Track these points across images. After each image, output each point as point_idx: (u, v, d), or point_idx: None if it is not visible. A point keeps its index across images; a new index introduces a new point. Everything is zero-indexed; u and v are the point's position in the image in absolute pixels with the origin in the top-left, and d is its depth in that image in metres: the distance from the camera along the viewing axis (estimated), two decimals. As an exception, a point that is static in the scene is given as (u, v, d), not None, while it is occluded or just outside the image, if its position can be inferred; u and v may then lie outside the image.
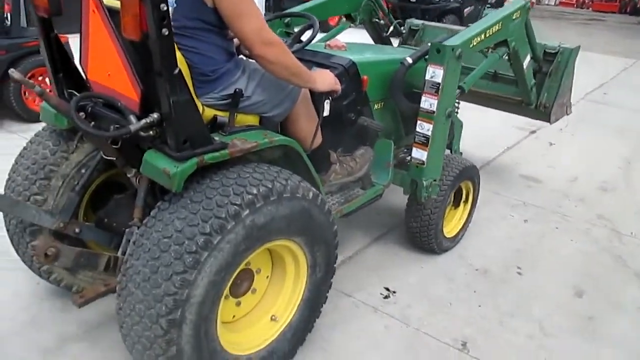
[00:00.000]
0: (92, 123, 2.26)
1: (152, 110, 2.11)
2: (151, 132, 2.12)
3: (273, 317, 2.56)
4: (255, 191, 2.14)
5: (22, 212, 2.50)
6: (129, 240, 2.27)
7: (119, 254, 2.28)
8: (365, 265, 3.61)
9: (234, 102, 2.40)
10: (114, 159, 2.43)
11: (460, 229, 3.96)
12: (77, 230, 2.65)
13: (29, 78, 5.87)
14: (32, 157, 2.68)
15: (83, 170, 2.69)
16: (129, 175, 2.53)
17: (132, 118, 2.11)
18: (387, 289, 3.40)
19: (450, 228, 3.88)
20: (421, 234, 3.65)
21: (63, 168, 2.65)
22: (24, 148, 2.79)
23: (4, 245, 3.28)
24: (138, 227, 2.28)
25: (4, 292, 3.09)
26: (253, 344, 2.47)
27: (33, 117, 6.02)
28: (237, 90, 2.39)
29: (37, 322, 2.89)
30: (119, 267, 2.25)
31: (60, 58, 2.48)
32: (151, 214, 2.16)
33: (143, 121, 2.07)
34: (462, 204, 3.97)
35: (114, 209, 2.75)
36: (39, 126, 6.09)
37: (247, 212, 2.09)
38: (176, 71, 1.95)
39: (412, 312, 3.21)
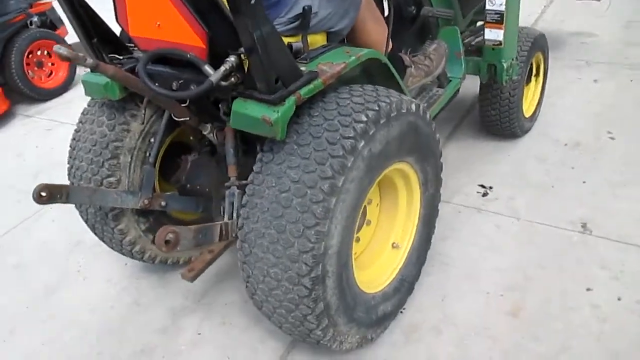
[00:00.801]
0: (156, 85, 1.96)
1: (221, 56, 1.82)
2: (232, 79, 1.83)
3: (394, 245, 2.38)
4: (364, 118, 1.87)
5: (102, 199, 2.28)
6: (232, 203, 2.06)
7: (226, 218, 2.07)
8: (451, 167, 3.38)
9: (305, 22, 2.07)
10: (187, 119, 2.15)
11: (537, 105, 3.67)
12: (162, 203, 2.44)
13: (27, 55, 5.47)
14: (90, 138, 2.41)
15: (150, 139, 2.43)
16: (204, 133, 2.27)
17: (208, 68, 1.82)
18: (482, 186, 3.19)
19: (527, 106, 3.59)
20: (502, 120, 3.38)
21: (127, 142, 2.39)
22: (76, 131, 2.52)
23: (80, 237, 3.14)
24: (238, 187, 2.06)
25: (96, 280, 2.96)
26: (383, 277, 2.31)
27: (43, 95, 5.69)
28: (306, 7, 2.05)
29: (141, 303, 2.76)
30: (230, 232, 2.05)
31: (90, 21, 2.14)
32: (255, 169, 1.92)
33: (223, 68, 1.78)
34: (533, 79, 3.65)
35: (193, 172, 2.52)
36: (53, 104, 5.87)
37: (362, 142, 1.84)
38: (253, 0, 1.62)
39: (517, 204, 3.02)
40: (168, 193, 2.52)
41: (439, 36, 3.09)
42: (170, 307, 2.69)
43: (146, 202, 2.37)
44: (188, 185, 2.51)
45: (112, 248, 2.66)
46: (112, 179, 2.38)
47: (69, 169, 2.52)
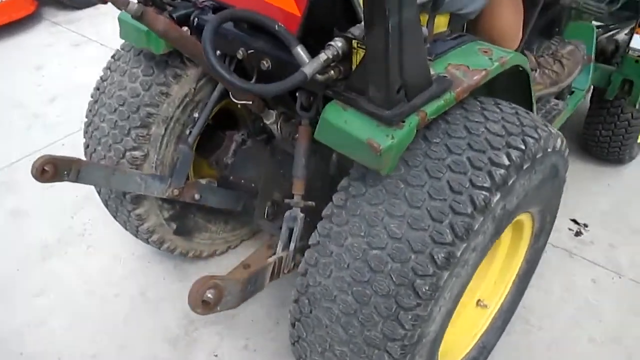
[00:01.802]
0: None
1: (320, 35, 1.24)
2: (332, 73, 1.25)
3: (480, 303, 1.86)
4: (505, 161, 1.29)
5: (123, 182, 1.76)
6: (292, 230, 1.53)
7: (279, 250, 1.55)
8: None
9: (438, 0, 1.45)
10: (249, 102, 1.58)
11: (652, 130, 3.03)
12: (196, 196, 1.91)
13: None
14: (118, 94, 1.86)
15: (192, 111, 1.87)
16: (266, 122, 1.70)
17: (301, 52, 1.24)
18: (576, 222, 2.63)
19: (641, 130, 2.95)
20: (611, 144, 2.77)
21: (164, 109, 1.83)
22: (102, 79, 1.96)
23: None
24: (302, 210, 1.53)
25: (101, 253, 2.49)
26: (463, 344, 1.81)
27: (76, 1, 5.05)
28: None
29: (150, 298, 2.30)
30: (283, 269, 1.54)
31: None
32: (335, 200, 1.37)
33: (323, 56, 1.20)
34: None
35: (240, 161, 1.98)
36: (85, 14, 5.19)
37: (498, 196, 1.27)
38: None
39: (618, 255, 2.46)
40: (203, 182, 1.98)
41: (567, 33, 2.42)
42: (184, 311, 2.22)
43: (176, 192, 1.84)
44: (231, 177, 1.98)
45: (125, 229, 2.16)
46: (137, 153, 1.84)
47: (86, 126, 1.99)
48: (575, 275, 2.36)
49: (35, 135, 3.31)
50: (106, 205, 2.08)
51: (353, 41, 1.21)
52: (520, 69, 1.57)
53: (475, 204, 1.23)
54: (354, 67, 1.25)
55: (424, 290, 1.21)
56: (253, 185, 2.00)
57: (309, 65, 1.18)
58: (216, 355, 2.07)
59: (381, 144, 1.19)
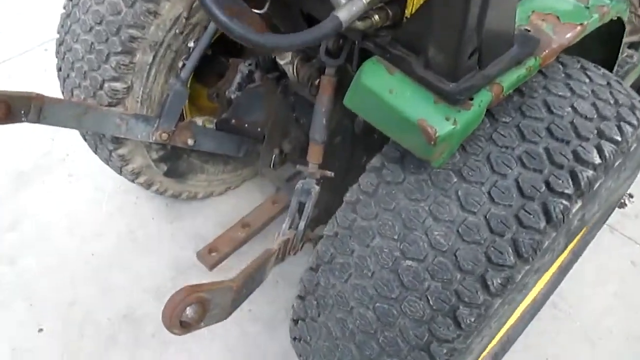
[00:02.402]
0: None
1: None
2: (375, 19, 0.89)
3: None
4: (595, 156, 0.97)
5: (98, 124, 1.43)
6: (303, 205, 1.23)
7: (286, 225, 1.26)
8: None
9: None
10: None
11: None
12: (190, 141, 1.59)
13: None
14: (95, 8, 1.48)
15: (188, 36, 1.51)
16: (280, 61, 1.35)
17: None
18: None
19: None
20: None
21: (152, 32, 1.46)
22: (76, -14, 1.57)
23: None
24: (317, 182, 1.22)
25: (84, 184, 2.21)
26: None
27: None
28: None
29: (139, 239, 2.05)
30: (289, 250, 1.26)
31: None
32: (362, 181, 1.06)
33: (364, -1, 0.83)
34: None
35: (245, 103, 1.63)
36: None
37: (578, 204, 0.96)
38: None
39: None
40: (200, 122, 1.65)
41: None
42: (175, 259, 1.97)
43: (164, 136, 1.52)
44: (233, 120, 1.64)
45: (108, 166, 1.86)
46: (118, 85, 1.50)
47: (58, 44, 1.63)
48: (613, 256, 2.10)
49: (25, 31, 2.90)
50: (84, 139, 1.77)
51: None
52: (619, 24, 1.19)
53: (551, 215, 0.92)
54: (409, 11, 0.89)
55: (467, 321, 0.93)
56: (259, 129, 1.67)
57: (346, 6, 0.82)
58: (205, 316, 1.85)
59: (438, 130, 0.86)
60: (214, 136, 1.64)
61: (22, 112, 1.26)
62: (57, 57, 1.63)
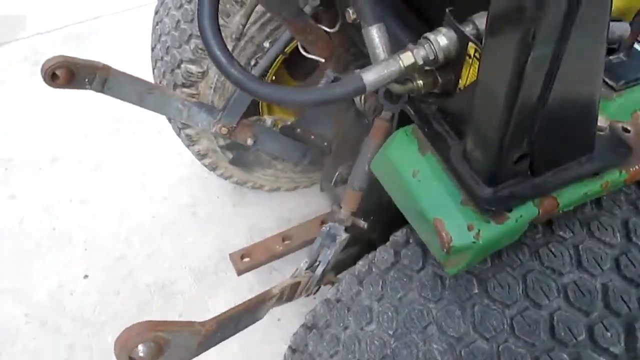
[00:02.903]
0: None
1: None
2: (419, 83, 0.73)
3: None
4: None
5: (160, 106, 1.40)
6: (327, 249, 1.12)
7: (303, 265, 1.16)
8: None
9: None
10: (322, 60, 1.10)
11: None
12: (249, 140, 1.52)
13: None
14: (189, -14, 1.45)
15: (271, 31, 1.42)
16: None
17: (375, 37, 0.73)
18: None
19: None
20: None
21: (236, 21, 1.40)
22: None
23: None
24: (347, 229, 1.10)
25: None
26: None
27: None
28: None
29: (210, 222, 2.06)
30: (302, 291, 1.16)
31: None
32: (362, 264, 0.92)
33: (407, 56, 0.68)
34: None
35: (315, 114, 1.53)
36: None
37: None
38: None
39: None
40: (268, 122, 1.57)
41: None
42: (225, 244, 1.96)
43: (224, 130, 1.46)
44: (298, 130, 1.54)
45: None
46: (193, 68, 1.47)
47: (155, 13, 1.64)
48: None
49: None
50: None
51: (470, 44, 0.67)
52: None
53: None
54: (463, 82, 0.71)
55: None
56: (325, 144, 1.56)
57: (377, 68, 0.67)
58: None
59: (454, 238, 0.69)
60: (276, 140, 1.56)
61: (87, 80, 1.26)
62: (152, 24, 1.64)
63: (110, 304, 1.81)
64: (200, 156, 1.75)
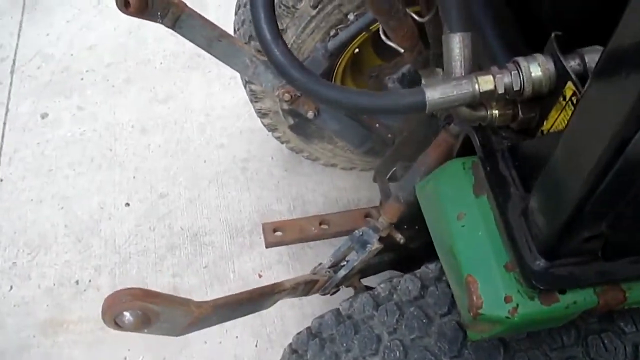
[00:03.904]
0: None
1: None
2: (494, 112, 0.60)
3: None
4: None
5: (227, 56, 1.33)
6: (349, 251, 1.03)
7: (326, 263, 1.07)
8: None
9: None
10: (400, 50, 0.97)
11: None
12: (310, 113, 1.43)
13: None
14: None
15: (358, 9, 1.30)
16: (424, 81, 1.08)
17: (456, 46, 0.60)
18: None
19: None
20: None
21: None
22: None
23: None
24: (380, 239, 1.00)
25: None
26: None
27: None
28: None
29: (257, 181, 2.02)
30: (317, 290, 1.08)
31: None
32: (363, 295, 0.83)
33: (487, 80, 0.56)
34: None
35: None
36: None
37: None
38: None
39: None
40: None
41: None
42: (266, 208, 1.92)
43: (287, 96, 1.38)
44: (365, 115, 1.43)
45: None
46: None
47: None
48: None
49: None
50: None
51: (569, 83, 0.53)
52: None
53: None
54: (547, 126, 0.59)
55: None
56: (390, 136, 1.45)
57: (445, 86, 0.55)
58: (260, 276, 1.78)
59: (485, 305, 0.58)
60: (338, 119, 1.46)
61: (159, 13, 1.20)
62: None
63: (142, 237, 1.82)
64: (261, 114, 1.69)
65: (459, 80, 0.55)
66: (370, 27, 1.27)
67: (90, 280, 1.72)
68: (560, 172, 0.51)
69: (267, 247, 1.46)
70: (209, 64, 2.28)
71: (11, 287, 1.70)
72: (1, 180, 1.93)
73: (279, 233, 1.46)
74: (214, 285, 1.75)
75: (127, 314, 0.76)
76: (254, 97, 1.62)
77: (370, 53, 1.67)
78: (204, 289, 1.74)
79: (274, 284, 0.97)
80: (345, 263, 1.06)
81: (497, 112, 0.59)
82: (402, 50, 0.97)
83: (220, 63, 2.20)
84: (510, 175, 0.61)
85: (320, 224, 1.48)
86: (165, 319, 0.79)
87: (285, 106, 1.61)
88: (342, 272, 1.05)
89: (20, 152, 2.01)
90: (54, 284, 1.71)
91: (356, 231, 1.03)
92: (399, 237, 1.00)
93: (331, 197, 1.95)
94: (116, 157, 2.00)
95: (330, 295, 1.12)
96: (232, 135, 2.09)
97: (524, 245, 0.57)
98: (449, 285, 0.77)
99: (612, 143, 0.46)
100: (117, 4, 1.16)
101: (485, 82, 0.54)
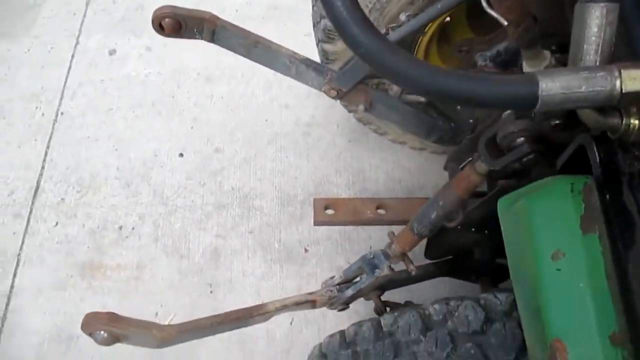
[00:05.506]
0: None
1: None
2: (633, 122, 0.43)
3: None
4: None
5: (267, 59, 1.25)
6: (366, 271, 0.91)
7: (336, 278, 0.95)
8: None
9: None
10: (504, 22, 0.79)
11: None
12: (361, 107, 1.28)
13: None
14: None
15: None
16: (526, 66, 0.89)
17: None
18: None
19: None
20: None
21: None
22: None
23: None
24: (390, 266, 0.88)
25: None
26: None
27: None
28: None
29: (309, 150, 1.89)
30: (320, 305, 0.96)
31: None
32: (412, 313, 0.68)
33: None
34: None
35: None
36: None
37: None
38: None
39: None
40: (381, 91, 1.30)
41: None
42: (324, 179, 1.79)
43: (333, 93, 1.24)
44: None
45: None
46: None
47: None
48: None
49: None
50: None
51: None
52: None
53: None
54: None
55: None
56: (471, 121, 1.26)
57: (568, 76, 0.39)
58: (306, 250, 1.67)
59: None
60: (396, 109, 1.30)
61: (196, 30, 1.14)
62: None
63: (191, 192, 1.75)
64: (330, 74, 1.54)
65: (592, 71, 0.38)
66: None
67: (133, 228, 1.68)
68: None
69: (315, 224, 1.33)
70: (284, 16, 2.14)
71: (56, 223, 1.69)
72: (62, 114, 1.91)
73: (330, 211, 1.33)
74: (257, 252, 1.66)
75: (101, 332, 0.77)
76: (325, 58, 1.47)
77: (463, 24, 1.48)
78: (247, 255, 1.66)
79: (256, 306, 0.91)
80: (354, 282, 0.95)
81: (637, 122, 0.42)
82: (505, 24, 0.79)
83: (297, 17, 2.07)
84: (639, 212, 0.44)
85: (377, 208, 1.33)
86: (132, 340, 0.77)
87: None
88: (349, 292, 0.94)
89: (83, 87, 1.97)
90: (98, 227, 1.68)
91: (368, 252, 0.92)
92: (412, 268, 0.87)
93: (394, 177, 1.79)
94: (177, 105, 1.93)
95: (338, 311, 1.01)
96: (299, 97, 1.96)
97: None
98: (520, 326, 0.61)
99: None
100: (153, 27, 1.10)
101: (633, 80, 0.37)
